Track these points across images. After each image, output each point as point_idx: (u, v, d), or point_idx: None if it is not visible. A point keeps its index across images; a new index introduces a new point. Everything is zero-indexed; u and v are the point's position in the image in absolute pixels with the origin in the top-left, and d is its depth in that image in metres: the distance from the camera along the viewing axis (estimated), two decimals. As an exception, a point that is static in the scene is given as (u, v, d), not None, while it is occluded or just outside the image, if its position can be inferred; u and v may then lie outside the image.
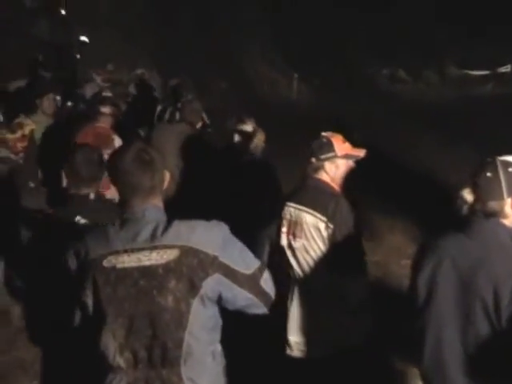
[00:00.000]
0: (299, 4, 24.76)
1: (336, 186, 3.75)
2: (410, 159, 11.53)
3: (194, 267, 2.43)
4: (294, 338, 3.71)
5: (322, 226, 3.58)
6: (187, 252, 2.43)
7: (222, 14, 24.47)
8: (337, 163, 3.73)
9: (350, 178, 3.86)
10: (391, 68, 27.37)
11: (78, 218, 3.27)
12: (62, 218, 3.27)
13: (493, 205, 2.80)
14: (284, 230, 3.77)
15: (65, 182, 3.70)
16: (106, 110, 6.29)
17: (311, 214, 3.62)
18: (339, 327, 3.56)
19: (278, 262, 3.76)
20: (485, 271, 2.69)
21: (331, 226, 3.56)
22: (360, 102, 19.19)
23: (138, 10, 23.26)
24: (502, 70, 25.93)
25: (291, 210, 3.74)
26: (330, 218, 3.56)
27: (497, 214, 2.80)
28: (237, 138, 5.46)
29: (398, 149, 12.51)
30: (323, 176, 3.74)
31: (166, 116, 9.05)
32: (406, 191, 9.11)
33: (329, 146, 3.73)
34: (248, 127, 5.46)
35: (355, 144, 3.87)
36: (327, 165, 3.72)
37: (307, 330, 3.68)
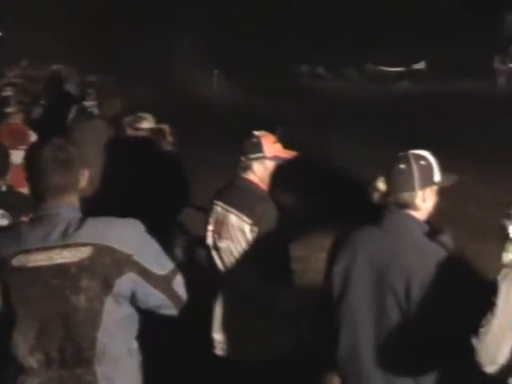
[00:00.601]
0: (222, 3, 24.74)
1: (264, 186, 3.74)
2: (330, 155, 11.69)
3: (108, 265, 2.40)
4: (217, 336, 3.69)
5: (246, 228, 3.55)
6: (101, 250, 2.40)
7: (151, 14, 24.27)
8: (265, 164, 3.69)
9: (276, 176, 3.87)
10: (310, 65, 27.71)
11: None
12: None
13: (405, 196, 2.86)
14: (210, 228, 3.72)
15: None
16: (9, 109, 6.16)
17: (237, 216, 3.59)
18: (263, 331, 3.52)
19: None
20: (397, 263, 2.75)
21: (256, 229, 3.53)
22: (281, 99, 19.33)
23: (61, 6, 22.75)
24: (417, 66, 26.67)
25: (218, 208, 3.69)
26: (256, 220, 3.53)
27: (408, 206, 2.87)
28: (136, 134, 5.41)
29: (318, 145, 12.67)
30: (251, 176, 3.70)
31: (84, 112, 8.90)
32: (327, 187, 9.25)
33: (258, 146, 3.69)
34: (147, 124, 5.42)
35: (286, 145, 3.86)
36: (255, 165, 3.69)
37: (229, 329, 3.66)
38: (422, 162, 2.91)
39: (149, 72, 23.01)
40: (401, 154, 2.98)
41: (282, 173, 3.84)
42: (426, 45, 24.77)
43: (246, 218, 3.56)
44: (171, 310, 2.57)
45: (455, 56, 23.81)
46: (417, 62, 26.58)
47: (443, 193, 3.02)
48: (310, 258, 6.55)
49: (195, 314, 2.77)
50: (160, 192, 5.02)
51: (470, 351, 2.50)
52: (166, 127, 5.55)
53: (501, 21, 24.99)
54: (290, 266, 3.74)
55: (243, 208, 3.58)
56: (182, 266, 2.67)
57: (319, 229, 7.14)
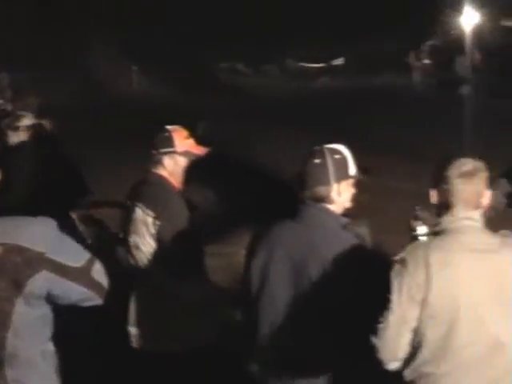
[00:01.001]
0: (141, 2, 24.52)
1: (175, 181, 3.71)
2: (251, 150, 11.74)
3: (18, 265, 2.34)
4: (132, 329, 3.67)
5: (149, 221, 3.53)
6: (11, 249, 2.34)
7: (71, 13, 23.83)
8: (176, 159, 3.66)
9: (194, 172, 3.85)
10: (230, 61, 27.74)
11: None
12: None
13: (320, 190, 2.89)
14: (122, 223, 3.72)
15: None
16: None
17: (141, 209, 3.57)
18: (174, 324, 3.52)
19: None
20: (314, 256, 2.78)
21: (158, 222, 3.50)
22: (202, 95, 19.29)
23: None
24: (336, 62, 27.09)
25: (128, 203, 3.69)
26: (159, 214, 3.50)
27: (324, 200, 2.90)
28: (18, 135, 5.31)
29: (239, 140, 12.70)
30: (161, 170, 3.67)
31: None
32: (247, 182, 9.28)
33: (169, 141, 3.66)
34: (27, 121, 5.34)
35: (200, 140, 3.84)
36: (166, 159, 3.66)
37: (142, 322, 3.66)
38: (337, 156, 2.95)
39: (71, 70, 22.65)
40: (316, 148, 3.02)
41: (198, 168, 3.83)
42: (345, 41, 25.21)
43: (149, 211, 3.53)
44: (95, 301, 2.52)
45: (373, 52, 24.30)
46: (336, 58, 27.00)
47: (362, 186, 3.08)
48: (232, 254, 6.56)
49: (115, 308, 2.73)
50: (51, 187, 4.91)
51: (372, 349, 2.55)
52: (46, 123, 5.45)
53: (417, 18, 25.58)
54: (202, 261, 3.72)
55: (148, 202, 3.55)
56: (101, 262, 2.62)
57: (240, 225, 7.16)
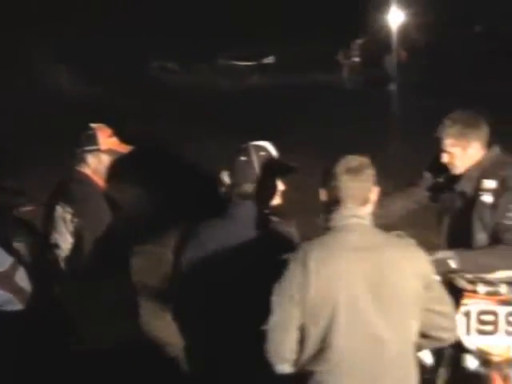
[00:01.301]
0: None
1: (99, 179, 3.72)
2: (182, 148, 11.74)
3: None
4: (59, 328, 3.66)
5: (68, 218, 3.54)
6: None
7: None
8: (100, 157, 3.69)
9: (122, 171, 3.86)
10: (162, 60, 27.53)
11: None
12: None
13: (248, 187, 2.97)
14: (44, 223, 3.70)
15: None
16: None
17: (61, 206, 3.57)
18: (98, 324, 3.51)
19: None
20: (243, 252, 2.84)
21: (76, 219, 3.52)
22: (133, 94, 19.11)
23: None
24: (266, 61, 27.23)
25: (50, 202, 3.68)
26: (77, 210, 3.52)
27: (251, 197, 2.98)
28: None
29: (170, 138, 12.67)
30: (85, 168, 3.69)
31: None
32: (177, 181, 9.29)
33: (93, 139, 3.69)
34: None
35: (124, 138, 3.85)
36: (89, 157, 3.68)
37: (67, 322, 3.64)
38: (262, 153, 3.03)
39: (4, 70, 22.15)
40: (242, 146, 3.09)
41: (126, 167, 3.86)
42: (276, 40, 25.37)
43: (68, 208, 3.54)
44: (17, 305, 2.52)
45: (304, 51, 24.50)
46: (266, 56, 27.13)
47: (294, 184, 3.15)
48: (160, 253, 6.55)
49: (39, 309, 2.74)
50: None
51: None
52: None
53: (349, 17, 25.91)
54: (126, 260, 3.73)
55: (67, 199, 3.56)
56: (28, 263, 2.63)
57: (168, 224, 7.16)
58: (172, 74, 26.57)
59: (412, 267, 2.56)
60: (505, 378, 3.21)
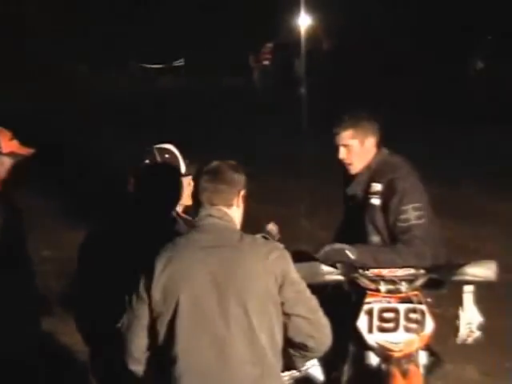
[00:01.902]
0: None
1: None
2: (92, 150, 11.62)
3: None
4: None
5: None
6: None
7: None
8: (1, 160, 3.63)
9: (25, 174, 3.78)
10: (72, 63, 27.01)
11: None
12: None
13: (152, 189, 2.99)
14: None
15: None
16: None
17: None
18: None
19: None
20: (143, 248, 2.83)
21: None
22: (44, 97, 18.70)
23: None
24: (177, 63, 27.17)
25: None
26: None
27: (156, 198, 2.99)
28: None
29: (80, 140, 12.53)
30: None
31: None
32: (82, 184, 9.21)
33: None
34: None
35: (24, 142, 3.79)
36: None
37: None
38: (167, 155, 3.04)
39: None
40: (146, 148, 3.09)
41: (31, 170, 3.80)
42: (188, 43, 25.36)
43: None
44: None
45: (215, 54, 24.58)
46: (176, 59, 27.08)
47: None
48: (68, 259, 6.44)
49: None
50: None
51: None
52: None
53: (262, 21, 26.11)
54: (28, 265, 3.69)
55: None
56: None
57: (74, 227, 7.06)
58: (82, 77, 26.11)
59: (264, 266, 2.53)
60: (404, 374, 3.30)
